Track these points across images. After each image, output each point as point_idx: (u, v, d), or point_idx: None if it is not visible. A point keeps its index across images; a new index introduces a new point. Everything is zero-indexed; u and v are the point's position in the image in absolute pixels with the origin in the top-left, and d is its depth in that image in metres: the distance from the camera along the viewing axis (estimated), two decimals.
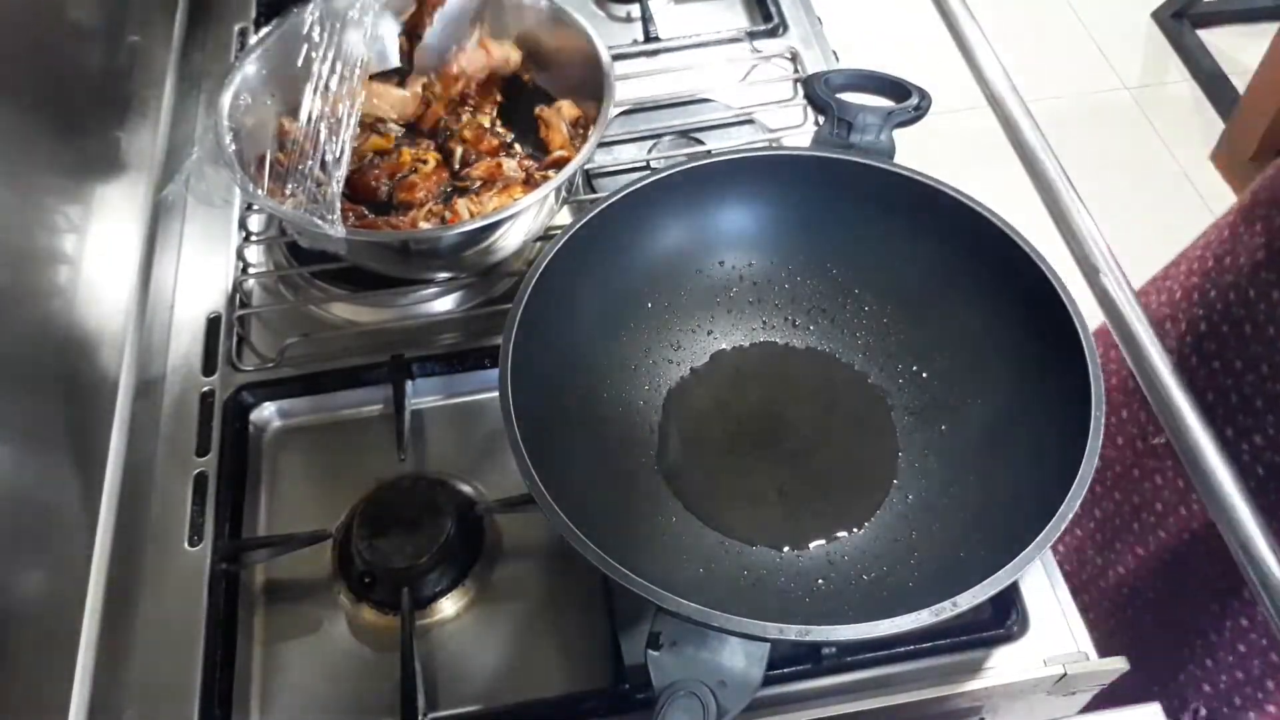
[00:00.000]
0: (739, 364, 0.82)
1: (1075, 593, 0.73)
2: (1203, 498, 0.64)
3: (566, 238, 0.73)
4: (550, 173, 0.88)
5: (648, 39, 1.12)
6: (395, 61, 0.98)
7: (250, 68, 0.87)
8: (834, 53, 1.11)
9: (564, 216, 0.93)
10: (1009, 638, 0.71)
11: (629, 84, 1.04)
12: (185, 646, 0.72)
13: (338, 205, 0.80)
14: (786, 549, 0.72)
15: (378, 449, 0.82)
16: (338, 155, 0.84)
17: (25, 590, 0.63)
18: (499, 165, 0.90)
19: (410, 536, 0.73)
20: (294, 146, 0.86)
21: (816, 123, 0.99)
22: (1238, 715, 0.98)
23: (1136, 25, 2.58)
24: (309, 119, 0.86)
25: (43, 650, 0.64)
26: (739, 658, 0.59)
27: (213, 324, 0.90)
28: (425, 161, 0.90)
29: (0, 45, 0.74)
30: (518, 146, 0.95)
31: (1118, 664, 0.69)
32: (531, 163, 0.91)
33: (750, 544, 0.72)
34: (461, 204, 0.87)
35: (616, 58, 0.95)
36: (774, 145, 0.99)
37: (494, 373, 0.67)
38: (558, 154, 0.90)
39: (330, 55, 0.88)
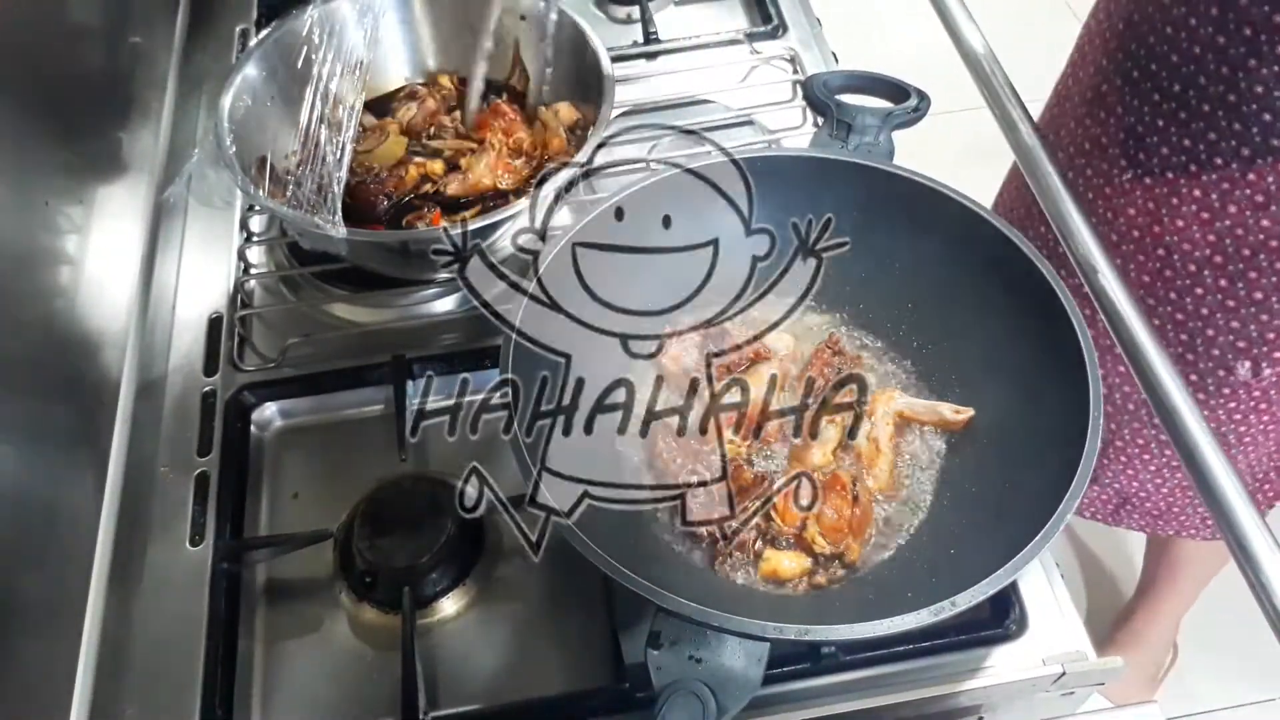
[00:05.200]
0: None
1: None
2: (1201, 495, 0.65)
3: (567, 238, 0.73)
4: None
5: (648, 40, 1.12)
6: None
7: (251, 69, 0.87)
8: (833, 54, 1.11)
9: (564, 217, 0.93)
10: (1008, 637, 0.71)
11: (629, 85, 1.05)
12: (186, 645, 0.72)
13: (338, 206, 0.80)
14: None
15: (379, 449, 0.82)
16: (338, 156, 0.84)
17: (28, 589, 0.64)
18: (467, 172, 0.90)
19: (411, 536, 0.73)
20: (295, 147, 0.86)
21: (816, 124, 0.99)
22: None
23: None
24: (310, 120, 0.86)
25: (45, 648, 0.64)
26: (739, 657, 0.59)
27: (214, 324, 0.90)
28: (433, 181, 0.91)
29: (2, 46, 0.75)
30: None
31: (1115, 663, 0.69)
32: (521, 162, 0.91)
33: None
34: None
35: (616, 59, 0.96)
36: (773, 146, 0.99)
37: (494, 373, 0.68)
38: (549, 167, 0.90)
39: (330, 57, 0.88)
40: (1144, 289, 0.96)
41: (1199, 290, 0.93)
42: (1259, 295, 0.90)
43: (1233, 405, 1.00)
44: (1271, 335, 0.93)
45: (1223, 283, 0.91)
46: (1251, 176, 0.85)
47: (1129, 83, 0.92)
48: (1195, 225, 0.90)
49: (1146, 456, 1.12)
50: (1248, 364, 0.95)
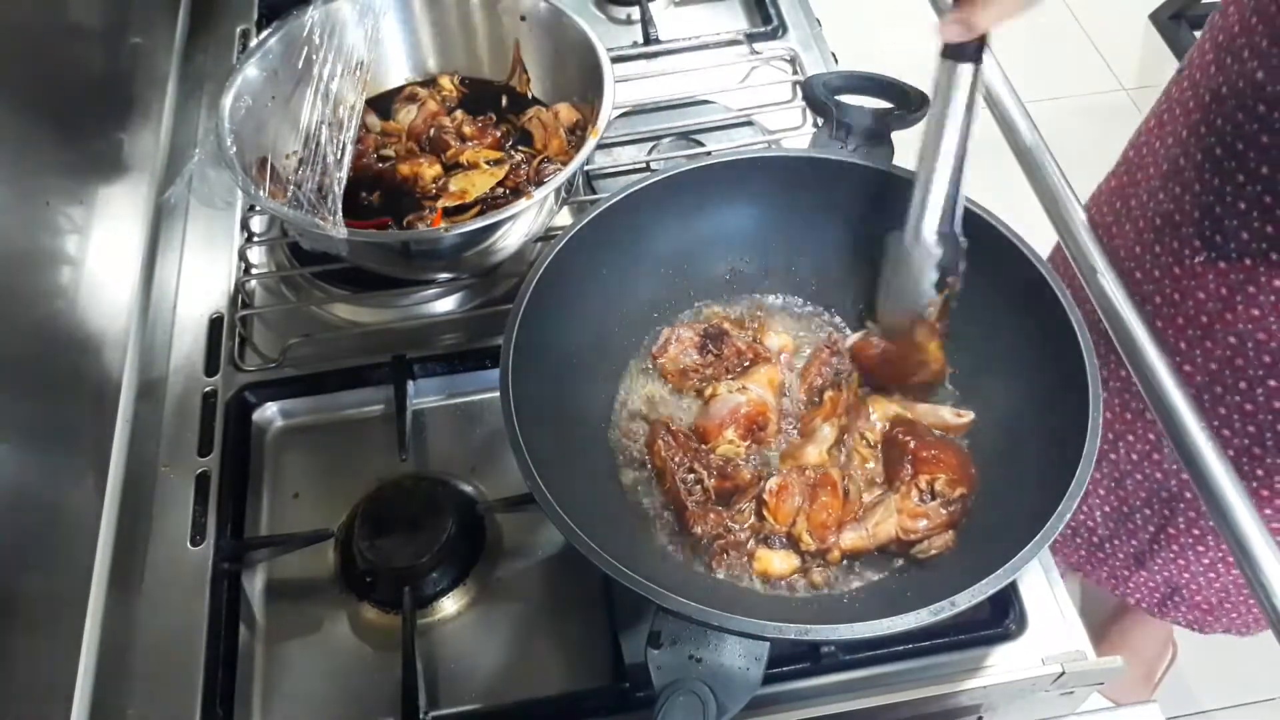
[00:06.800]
0: None
1: None
2: (1200, 495, 0.65)
3: (567, 239, 0.74)
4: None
5: (648, 41, 1.12)
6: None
7: (252, 70, 0.87)
8: (833, 54, 1.12)
9: (564, 217, 0.93)
10: (1007, 637, 0.72)
11: (629, 86, 1.05)
12: (187, 645, 0.72)
13: (339, 206, 0.80)
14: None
15: (379, 449, 0.82)
16: (339, 156, 0.84)
17: (29, 589, 0.64)
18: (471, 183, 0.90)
19: (411, 536, 0.73)
20: (296, 147, 0.87)
21: (816, 124, 1.00)
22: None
23: (1134, 27, 2.58)
24: (310, 120, 0.86)
25: (45, 648, 0.64)
26: (739, 657, 0.59)
27: (215, 324, 0.90)
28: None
29: (3, 47, 0.75)
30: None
31: (1115, 663, 0.69)
32: (527, 168, 0.91)
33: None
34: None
35: (616, 60, 0.96)
36: (773, 147, 0.99)
37: (494, 373, 0.68)
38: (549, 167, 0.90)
39: (331, 57, 0.88)
40: (1210, 377, 0.91)
41: (1271, 383, 0.87)
42: None
43: None
44: None
45: None
46: None
47: (1210, 160, 0.85)
48: (1273, 316, 0.84)
49: (1201, 548, 1.07)
50: None
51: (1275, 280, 0.82)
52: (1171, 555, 1.10)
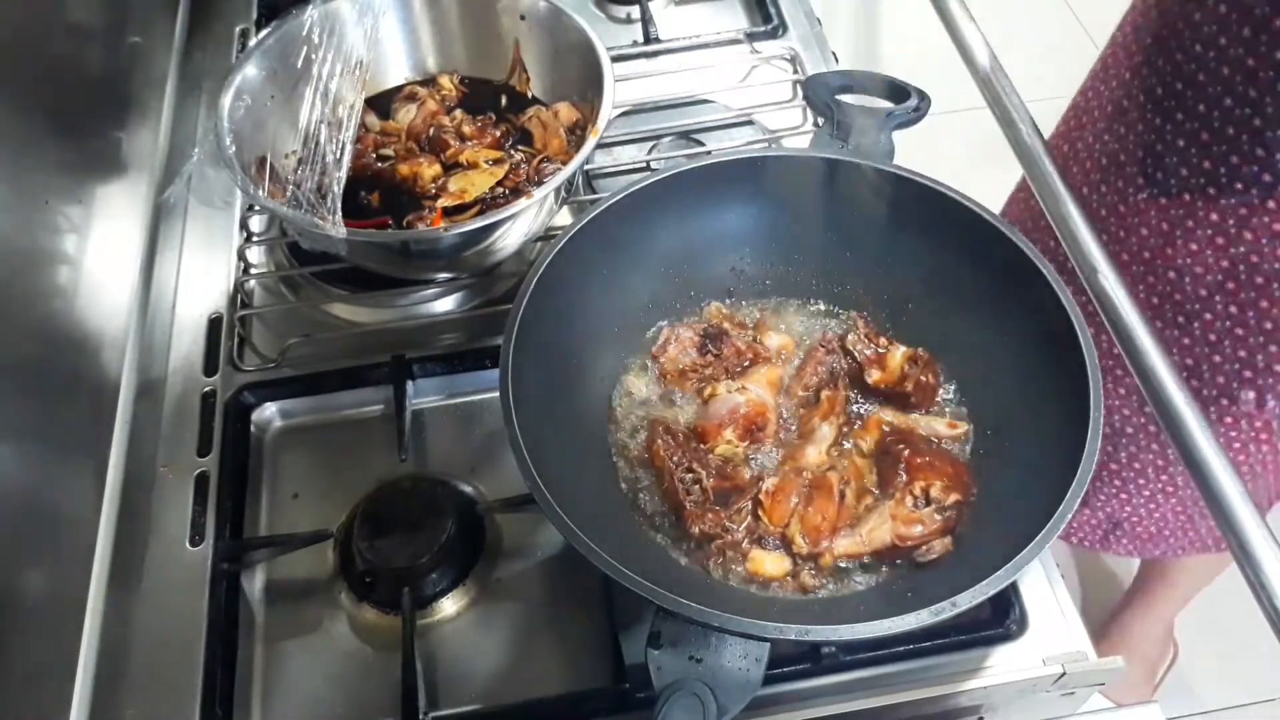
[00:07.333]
0: None
1: None
2: (1200, 493, 0.65)
3: (567, 239, 0.73)
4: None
5: (648, 40, 1.12)
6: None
7: (251, 69, 0.87)
8: (834, 54, 1.11)
9: (564, 217, 0.93)
10: (1008, 637, 0.71)
11: (629, 85, 1.05)
12: (186, 646, 0.72)
13: (339, 205, 0.80)
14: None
15: (379, 449, 0.82)
16: (338, 155, 0.84)
17: (28, 590, 0.64)
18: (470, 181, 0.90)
19: (411, 536, 0.73)
20: (295, 147, 0.86)
21: (816, 124, 0.99)
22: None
23: None
24: (309, 120, 0.86)
25: (45, 649, 0.64)
26: (739, 657, 0.59)
27: (214, 324, 0.90)
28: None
29: (2, 46, 0.75)
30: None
31: (1116, 663, 0.69)
32: (527, 168, 0.91)
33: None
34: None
35: (616, 59, 0.96)
36: (773, 146, 0.99)
37: (494, 373, 0.68)
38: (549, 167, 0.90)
39: (330, 56, 0.88)
40: (1151, 311, 0.94)
41: (1208, 316, 0.90)
42: (1269, 325, 0.88)
43: (1234, 434, 0.98)
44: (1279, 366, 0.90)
45: (1233, 310, 0.89)
46: (1271, 204, 0.82)
47: (1152, 100, 0.89)
48: (1209, 250, 0.87)
49: (1142, 481, 1.10)
50: (1252, 394, 0.93)
51: (1212, 214, 0.86)
52: (1114, 490, 1.13)
